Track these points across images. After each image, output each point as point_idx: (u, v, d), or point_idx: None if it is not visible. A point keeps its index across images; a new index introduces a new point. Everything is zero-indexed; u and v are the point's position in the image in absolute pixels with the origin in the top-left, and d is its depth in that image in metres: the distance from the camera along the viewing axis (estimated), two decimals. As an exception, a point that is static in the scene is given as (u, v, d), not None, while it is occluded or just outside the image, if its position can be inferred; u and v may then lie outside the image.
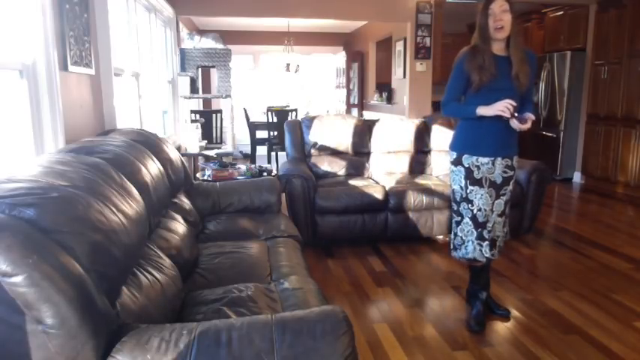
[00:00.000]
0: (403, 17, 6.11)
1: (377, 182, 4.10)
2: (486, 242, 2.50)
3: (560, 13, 6.56)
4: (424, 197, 3.84)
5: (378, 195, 3.80)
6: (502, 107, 2.29)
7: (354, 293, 3.02)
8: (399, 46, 6.71)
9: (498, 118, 2.34)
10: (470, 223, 2.51)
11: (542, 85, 6.66)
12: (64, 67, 2.30)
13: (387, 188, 3.89)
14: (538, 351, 2.34)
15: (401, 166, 4.41)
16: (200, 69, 5.51)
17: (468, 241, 2.53)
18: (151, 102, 4.42)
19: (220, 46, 5.55)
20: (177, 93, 5.47)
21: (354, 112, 9.23)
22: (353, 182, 4.03)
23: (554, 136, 6.50)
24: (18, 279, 1.06)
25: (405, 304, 2.87)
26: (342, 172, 4.33)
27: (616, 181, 5.73)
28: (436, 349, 2.38)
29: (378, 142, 4.46)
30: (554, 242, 3.99)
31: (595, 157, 6.06)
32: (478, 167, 2.46)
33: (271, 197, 3.04)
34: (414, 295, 3.01)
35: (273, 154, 7.68)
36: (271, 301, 1.79)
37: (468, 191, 2.49)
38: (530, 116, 2.33)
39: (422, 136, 4.50)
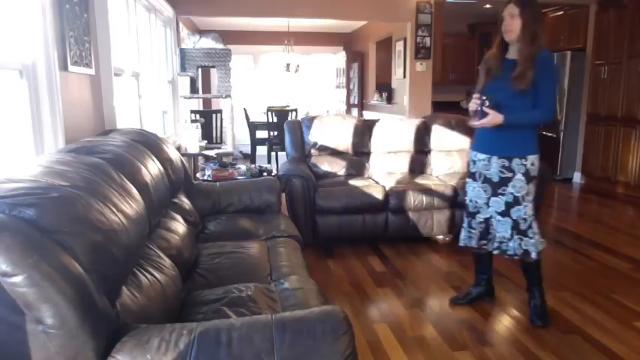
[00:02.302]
0: (403, 17, 6.11)
1: (377, 182, 4.10)
2: (474, 231, 2.67)
3: (560, 13, 6.57)
4: (424, 197, 3.84)
5: (378, 195, 3.80)
6: (471, 105, 2.49)
7: (354, 293, 3.03)
8: (399, 46, 6.71)
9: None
10: (465, 212, 2.74)
11: (542, 85, 6.65)
12: (64, 67, 2.30)
13: (387, 188, 3.90)
14: (538, 351, 2.34)
15: (401, 166, 4.41)
16: (200, 69, 5.51)
17: (462, 229, 2.75)
18: (151, 102, 4.42)
19: (220, 46, 5.56)
20: (177, 93, 5.47)
21: (354, 112, 9.23)
22: (353, 182, 4.03)
23: (554, 136, 6.50)
24: (18, 279, 1.06)
25: (405, 304, 2.87)
26: (342, 172, 4.33)
27: (616, 181, 5.73)
28: (436, 349, 2.38)
29: (378, 142, 4.46)
30: (554, 242, 3.99)
31: (595, 157, 6.06)
32: (474, 162, 2.63)
33: (271, 197, 3.04)
34: (414, 295, 3.01)
35: (273, 154, 7.68)
36: (271, 301, 1.79)
37: (465, 182, 2.74)
38: (489, 112, 2.39)
39: (422, 136, 4.50)
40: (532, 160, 2.48)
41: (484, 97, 2.40)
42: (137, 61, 4.03)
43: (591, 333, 2.51)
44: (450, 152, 4.51)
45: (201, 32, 7.69)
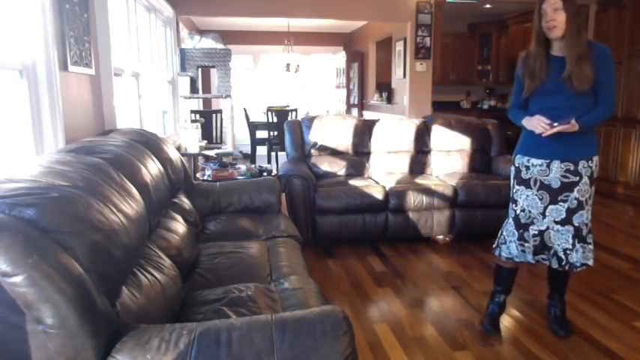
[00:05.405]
0: (403, 17, 6.11)
1: (377, 182, 4.09)
2: (528, 245, 2.41)
3: (560, 13, 6.55)
4: (424, 197, 3.84)
5: (378, 195, 3.80)
6: (535, 124, 2.25)
7: (354, 293, 3.02)
8: (399, 46, 6.71)
9: (557, 119, 2.22)
10: (512, 223, 2.45)
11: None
12: (64, 67, 2.30)
13: (387, 188, 3.89)
14: (538, 351, 2.34)
15: (401, 166, 4.41)
16: (200, 69, 5.50)
17: (511, 242, 2.46)
18: (151, 102, 4.41)
19: (220, 46, 5.55)
20: (177, 93, 5.47)
21: (354, 112, 9.23)
22: (353, 182, 4.03)
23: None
24: (18, 279, 1.06)
25: (405, 304, 2.88)
26: (342, 172, 4.33)
27: (616, 181, 5.73)
28: (436, 349, 2.38)
29: (378, 142, 4.46)
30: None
31: (595, 157, 6.05)
32: (527, 168, 2.39)
33: (271, 197, 3.04)
34: (414, 295, 3.01)
35: (273, 154, 7.68)
36: (271, 301, 1.79)
37: (514, 191, 2.45)
38: (570, 122, 2.19)
39: (422, 136, 4.50)
40: (596, 161, 2.35)
41: (554, 124, 2.21)
42: (137, 61, 4.03)
43: (591, 333, 2.51)
44: (450, 152, 4.51)
45: (201, 32, 7.68)
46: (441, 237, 4.06)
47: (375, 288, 3.11)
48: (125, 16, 3.76)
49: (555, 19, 2.19)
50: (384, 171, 4.36)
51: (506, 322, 2.66)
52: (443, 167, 4.44)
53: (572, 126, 2.21)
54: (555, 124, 2.20)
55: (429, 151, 4.53)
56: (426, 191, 3.87)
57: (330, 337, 1.23)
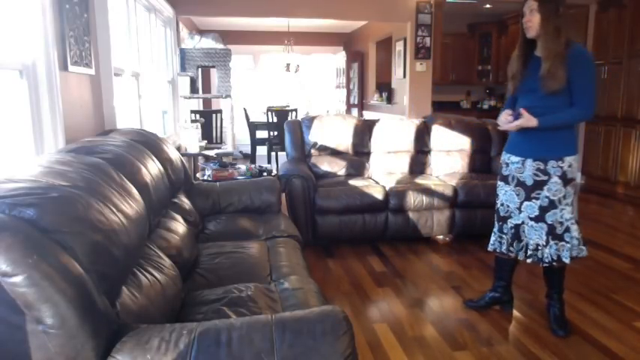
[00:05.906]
0: (403, 17, 6.11)
1: (377, 182, 4.09)
2: (505, 236, 2.58)
3: (560, 13, 6.55)
4: (424, 197, 3.84)
5: (378, 195, 3.80)
6: (500, 118, 2.45)
7: (354, 293, 3.03)
8: (399, 46, 6.71)
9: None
10: (495, 215, 2.64)
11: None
12: (64, 67, 2.30)
13: (387, 188, 3.90)
14: (538, 351, 2.34)
15: (401, 166, 4.41)
16: (200, 69, 5.50)
17: (494, 233, 2.66)
18: (151, 102, 4.41)
19: (220, 46, 5.55)
20: (177, 93, 5.47)
21: (354, 112, 9.23)
22: (353, 182, 4.03)
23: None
24: (18, 279, 1.06)
25: (405, 304, 2.88)
26: (342, 172, 4.33)
27: (616, 181, 5.74)
28: (436, 349, 2.38)
29: (378, 142, 4.46)
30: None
31: (595, 157, 6.06)
32: (507, 164, 2.54)
33: (271, 197, 3.04)
34: (414, 295, 3.01)
35: (273, 154, 7.68)
36: (271, 301, 1.79)
37: (497, 185, 2.63)
38: (524, 114, 2.33)
39: (422, 136, 4.50)
40: (569, 162, 2.36)
41: (518, 113, 2.34)
42: (137, 61, 4.03)
43: (591, 333, 2.51)
44: (450, 152, 4.51)
45: (201, 32, 7.68)
46: (441, 237, 4.07)
47: (375, 288, 3.11)
48: (125, 16, 3.76)
49: (531, 20, 2.31)
50: (384, 171, 4.36)
51: (506, 322, 2.66)
52: (443, 167, 4.44)
53: (528, 120, 2.32)
54: (514, 117, 2.37)
55: (429, 151, 4.53)
56: (426, 191, 3.87)
57: (330, 337, 1.23)
